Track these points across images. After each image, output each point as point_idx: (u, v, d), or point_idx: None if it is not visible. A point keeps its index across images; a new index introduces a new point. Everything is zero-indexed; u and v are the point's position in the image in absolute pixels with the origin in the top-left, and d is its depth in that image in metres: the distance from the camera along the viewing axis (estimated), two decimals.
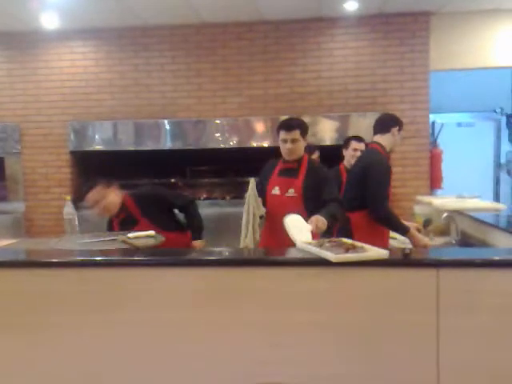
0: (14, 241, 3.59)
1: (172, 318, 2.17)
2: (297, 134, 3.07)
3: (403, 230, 3.13)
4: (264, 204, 3.07)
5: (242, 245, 2.95)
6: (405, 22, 5.48)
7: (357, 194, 3.19)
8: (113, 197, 3.20)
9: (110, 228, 3.36)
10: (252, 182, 2.98)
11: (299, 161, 3.13)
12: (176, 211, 3.54)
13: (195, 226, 3.45)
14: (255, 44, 5.64)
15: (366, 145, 3.90)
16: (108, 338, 2.20)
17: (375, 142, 3.30)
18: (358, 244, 2.24)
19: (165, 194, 3.44)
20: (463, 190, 4.25)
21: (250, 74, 5.66)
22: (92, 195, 3.13)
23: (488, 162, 6.86)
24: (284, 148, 3.11)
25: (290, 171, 3.12)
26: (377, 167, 3.15)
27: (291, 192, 3.06)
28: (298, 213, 2.73)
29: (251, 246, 2.92)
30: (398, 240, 3.45)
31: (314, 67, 5.61)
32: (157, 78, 5.77)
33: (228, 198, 5.83)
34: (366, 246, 2.20)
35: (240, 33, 5.64)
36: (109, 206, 3.16)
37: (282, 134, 3.10)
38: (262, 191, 3.13)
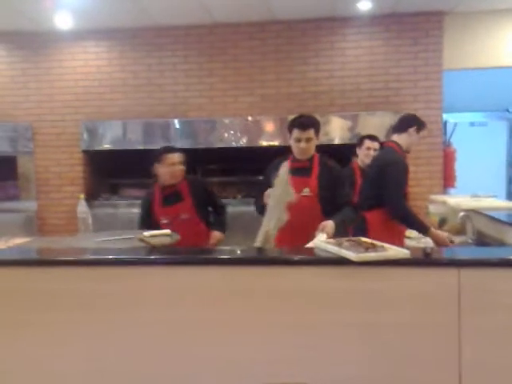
0: (27, 239, 3.60)
1: (188, 318, 2.17)
2: (311, 132, 3.03)
3: (424, 229, 3.11)
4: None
5: (263, 229, 2.81)
6: (418, 22, 5.47)
7: (373, 193, 3.19)
8: (183, 169, 3.43)
9: (149, 206, 3.45)
10: (285, 166, 2.85)
11: (311, 159, 3.10)
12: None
13: (219, 223, 3.58)
14: (267, 44, 5.65)
15: (381, 144, 3.90)
16: (123, 336, 2.20)
17: (392, 140, 3.31)
18: (378, 243, 2.24)
19: (212, 190, 3.74)
20: (476, 189, 4.24)
21: (261, 73, 5.68)
22: (177, 156, 3.38)
23: (501, 161, 6.82)
24: (297, 147, 3.04)
25: (302, 170, 3.05)
26: (393, 166, 3.16)
27: (306, 191, 3.01)
28: (315, 213, 2.73)
29: (273, 232, 2.80)
30: (413, 238, 3.44)
31: (327, 66, 5.61)
32: (169, 77, 5.79)
33: (239, 196, 5.83)
34: (386, 245, 2.20)
35: (252, 32, 5.66)
36: (177, 173, 3.39)
37: (296, 133, 3.02)
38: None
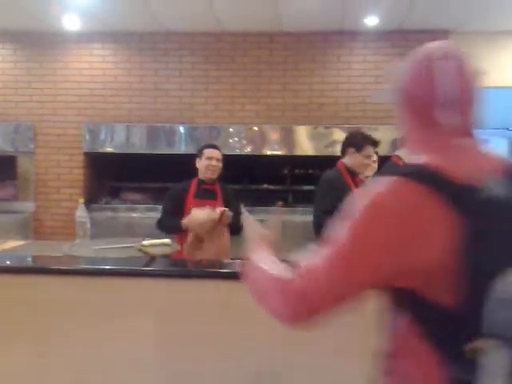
0: (22, 242, 3.52)
1: (185, 331, 2.16)
2: None
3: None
4: None
5: None
6: (424, 39, 5.36)
7: None
8: (220, 166, 3.58)
9: (182, 195, 3.53)
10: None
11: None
12: None
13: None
14: (275, 54, 5.67)
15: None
16: (113, 348, 2.18)
17: (395, 154, 3.44)
18: None
19: (239, 208, 3.72)
20: None
21: (269, 82, 5.68)
22: (215, 152, 3.59)
23: None
24: (368, 163, 3.22)
25: (360, 184, 3.19)
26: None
27: None
28: None
29: None
30: None
31: (333, 79, 5.63)
32: (175, 83, 5.78)
33: (242, 204, 5.79)
34: None
35: (260, 42, 5.67)
36: (213, 168, 3.56)
37: (369, 150, 3.18)
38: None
